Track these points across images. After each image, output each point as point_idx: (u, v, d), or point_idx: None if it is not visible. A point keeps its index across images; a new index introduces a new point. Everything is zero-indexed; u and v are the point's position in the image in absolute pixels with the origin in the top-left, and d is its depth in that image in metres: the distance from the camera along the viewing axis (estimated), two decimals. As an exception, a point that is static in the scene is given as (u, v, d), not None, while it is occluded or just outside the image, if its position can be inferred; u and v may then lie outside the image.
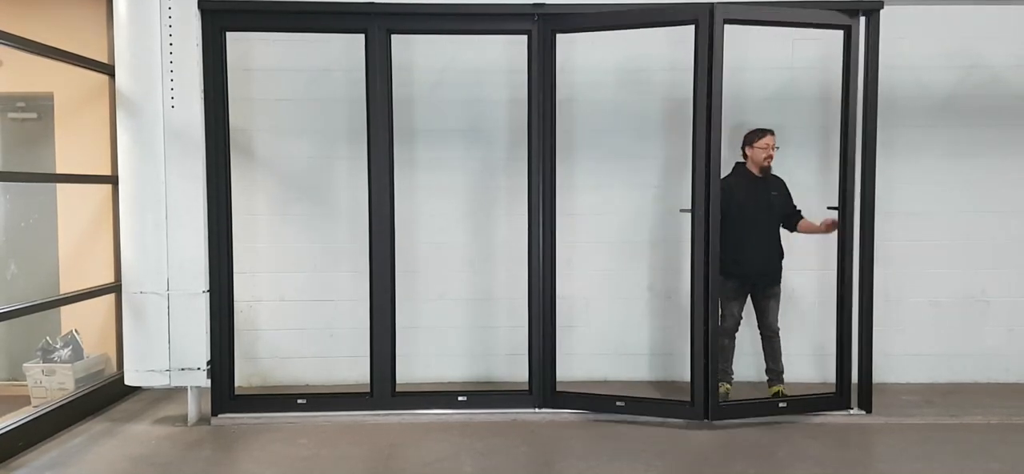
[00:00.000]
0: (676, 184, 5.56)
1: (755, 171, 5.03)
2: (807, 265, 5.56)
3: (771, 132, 5.01)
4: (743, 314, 5.15)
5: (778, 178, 5.13)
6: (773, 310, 5.12)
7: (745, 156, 5.08)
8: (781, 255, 5.12)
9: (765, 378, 5.18)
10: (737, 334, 5.16)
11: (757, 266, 5.04)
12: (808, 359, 5.63)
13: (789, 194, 5.16)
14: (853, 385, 4.88)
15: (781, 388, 5.10)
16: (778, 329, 5.14)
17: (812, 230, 5.11)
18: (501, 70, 5.50)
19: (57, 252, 5.59)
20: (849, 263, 4.78)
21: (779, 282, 5.13)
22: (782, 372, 5.15)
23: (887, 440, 4.52)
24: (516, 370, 5.34)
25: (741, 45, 5.49)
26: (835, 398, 4.87)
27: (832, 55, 5.50)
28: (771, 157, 4.99)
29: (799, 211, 5.15)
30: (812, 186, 5.54)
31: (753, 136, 5.02)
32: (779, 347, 5.15)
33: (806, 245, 5.57)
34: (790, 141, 5.52)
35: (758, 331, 5.17)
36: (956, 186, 5.57)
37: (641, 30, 5.48)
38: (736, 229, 4.97)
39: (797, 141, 5.53)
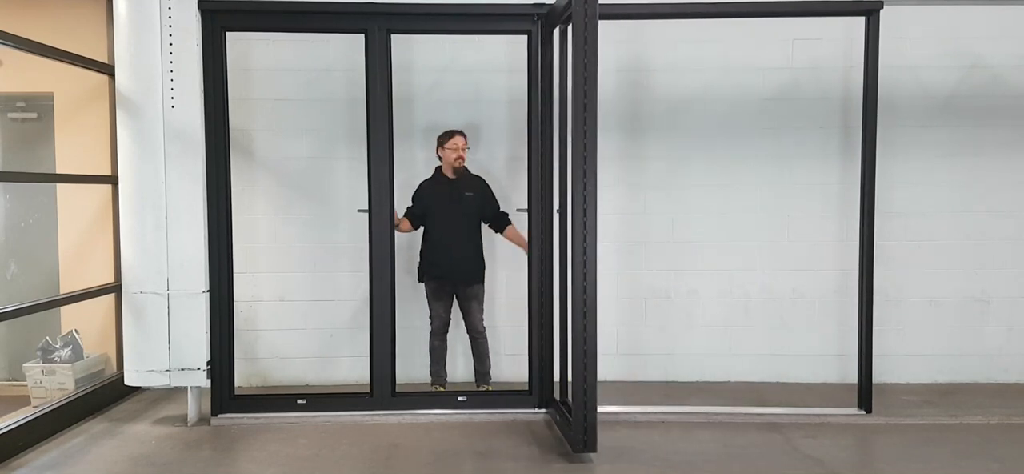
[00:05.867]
0: (678, 185, 5.58)
1: (449, 173, 5.06)
2: (806, 265, 5.58)
3: (460, 133, 5.04)
4: (451, 315, 5.20)
5: (477, 179, 5.15)
6: (475, 311, 5.16)
7: (440, 158, 5.10)
8: (479, 256, 5.13)
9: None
10: (448, 335, 5.24)
11: (452, 267, 5.09)
12: (806, 360, 5.64)
13: (491, 195, 5.17)
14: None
15: (489, 388, 5.18)
16: (483, 330, 5.18)
17: (518, 240, 5.12)
18: (502, 70, 5.50)
19: (57, 252, 5.58)
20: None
21: (479, 283, 5.15)
22: (488, 372, 5.23)
23: (887, 440, 4.52)
24: (518, 370, 5.33)
25: (741, 46, 5.51)
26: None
27: (831, 55, 5.52)
28: (461, 158, 5.01)
29: (505, 214, 5.17)
30: (815, 185, 5.55)
31: (444, 137, 5.06)
32: (485, 348, 5.20)
33: (803, 247, 5.59)
34: (788, 140, 5.53)
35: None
36: (956, 186, 5.57)
37: (640, 31, 5.51)
38: (432, 231, 5.08)
39: (796, 140, 5.54)
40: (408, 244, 5.46)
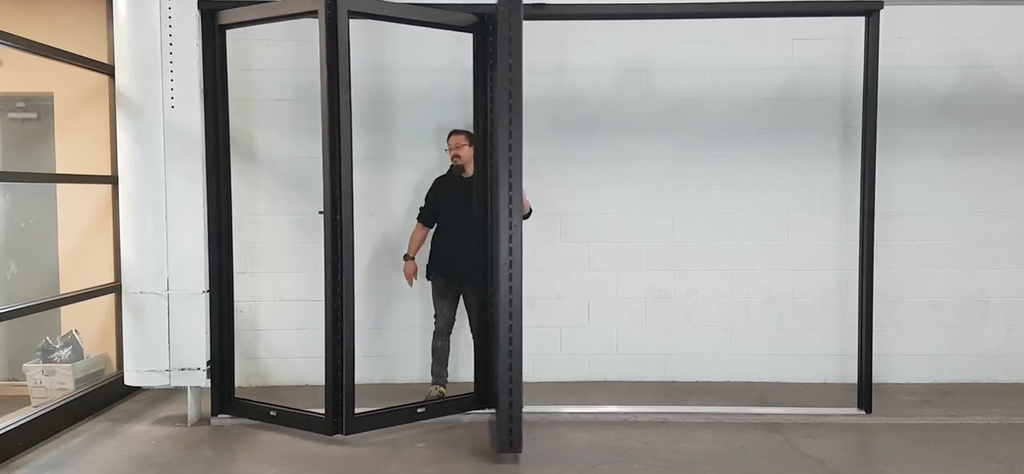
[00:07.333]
0: (677, 184, 5.58)
1: (458, 171, 5.04)
2: (806, 265, 5.59)
3: (460, 132, 4.99)
4: (456, 315, 5.14)
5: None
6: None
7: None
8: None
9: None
10: (451, 336, 5.16)
11: (461, 266, 5.02)
12: (806, 360, 5.64)
13: None
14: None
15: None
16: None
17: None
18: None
19: (57, 252, 5.59)
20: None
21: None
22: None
23: (887, 440, 4.52)
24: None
25: (741, 45, 5.52)
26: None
27: (831, 55, 5.52)
28: (458, 157, 4.97)
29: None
30: (815, 185, 5.55)
31: (448, 137, 5.05)
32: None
33: (803, 247, 5.59)
34: (788, 140, 5.54)
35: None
36: (956, 186, 5.56)
37: (640, 31, 5.51)
38: (443, 227, 5.05)
39: (798, 140, 5.54)
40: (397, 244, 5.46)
